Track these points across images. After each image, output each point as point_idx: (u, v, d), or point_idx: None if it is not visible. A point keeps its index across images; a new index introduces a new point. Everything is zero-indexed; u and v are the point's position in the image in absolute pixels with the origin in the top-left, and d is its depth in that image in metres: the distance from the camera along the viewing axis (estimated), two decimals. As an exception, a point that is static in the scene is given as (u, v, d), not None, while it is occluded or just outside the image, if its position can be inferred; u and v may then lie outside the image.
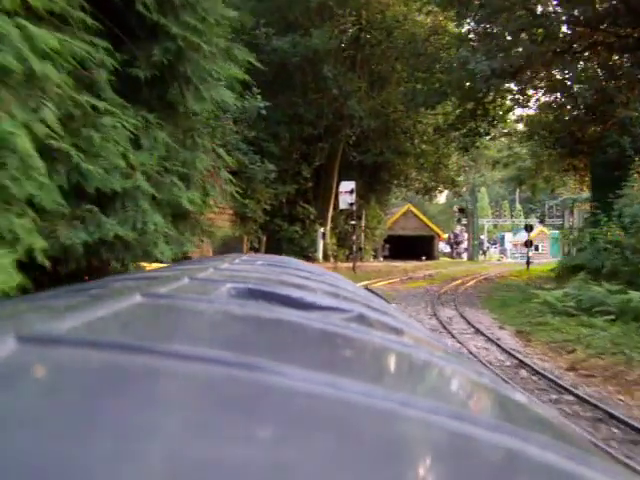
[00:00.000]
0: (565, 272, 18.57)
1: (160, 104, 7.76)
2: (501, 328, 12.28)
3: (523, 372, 8.49)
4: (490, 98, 25.62)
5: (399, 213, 51.80)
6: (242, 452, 0.40)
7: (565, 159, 25.45)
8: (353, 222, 27.14)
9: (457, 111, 26.64)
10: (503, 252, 73.26)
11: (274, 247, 30.10)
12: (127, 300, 0.93)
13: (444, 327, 12.22)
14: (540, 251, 76.55)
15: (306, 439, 0.46)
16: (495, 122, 25.88)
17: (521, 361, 9.11)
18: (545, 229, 78.86)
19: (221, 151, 10.10)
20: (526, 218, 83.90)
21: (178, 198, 7.91)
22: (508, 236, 77.30)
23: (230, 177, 10.15)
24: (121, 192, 7.09)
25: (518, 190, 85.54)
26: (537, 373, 8.30)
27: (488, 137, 27.92)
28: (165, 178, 7.83)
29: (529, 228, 29.16)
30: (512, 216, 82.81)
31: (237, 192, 25.45)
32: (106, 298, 0.97)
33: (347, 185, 26.77)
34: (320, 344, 1.01)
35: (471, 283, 23.16)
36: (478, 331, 11.83)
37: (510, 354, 9.63)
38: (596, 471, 0.59)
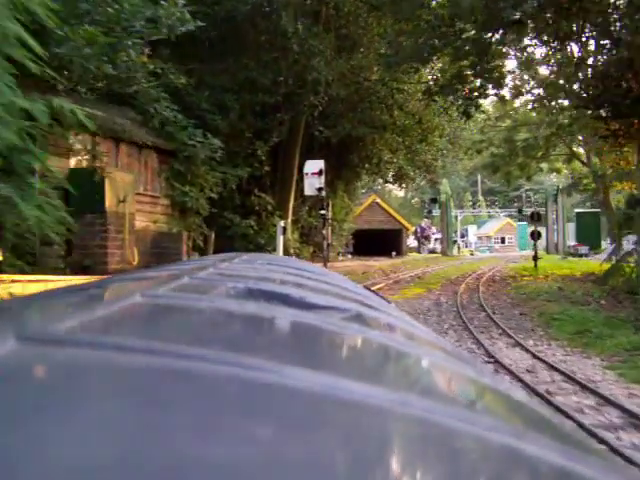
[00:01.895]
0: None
1: None
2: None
3: None
4: (491, 55, 19.43)
5: (364, 205, 45.41)
6: (242, 452, 0.40)
7: (608, 121, 19.19)
8: (323, 212, 20.53)
9: (451, 69, 20.35)
10: (468, 246, 67.54)
11: (224, 246, 23.55)
12: (127, 300, 0.90)
13: (542, 398, 5.84)
14: (507, 244, 71.31)
15: (306, 439, 0.45)
16: (502, 80, 19.58)
17: None
18: (511, 221, 73.66)
19: None
20: (488, 209, 78.73)
21: None
22: (472, 229, 71.79)
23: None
24: None
25: (480, 181, 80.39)
26: None
27: (496, 98, 21.59)
28: None
29: (536, 216, 23.04)
30: (474, 208, 77.48)
31: (173, 176, 18.72)
32: (106, 298, 0.98)
33: (314, 165, 20.17)
34: (321, 344, 0.96)
35: (482, 289, 16.91)
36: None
37: None
38: (596, 471, 0.57)
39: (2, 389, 0.46)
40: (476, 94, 18.96)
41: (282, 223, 23.47)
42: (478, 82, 18.89)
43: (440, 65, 22.57)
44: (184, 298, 1.06)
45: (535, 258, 22.87)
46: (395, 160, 29.32)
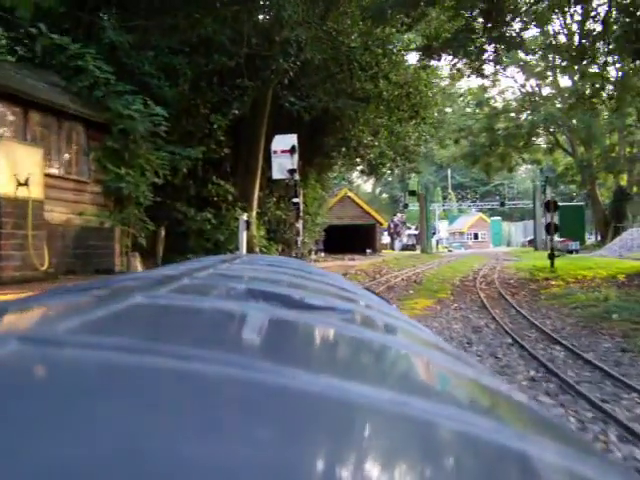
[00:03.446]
0: None
1: None
2: None
3: None
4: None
5: (335, 199, 40.75)
6: (242, 453, 0.39)
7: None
8: (295, 200, 15.75)
9: (455, 25, 15.81)
10: (439, 242, 63.41)
11: (177, 244, 18.80)
12: (127, 300, 0.88)
13: None
14: (480, 240, 67.50)
15: (307, 440, 0.45)
16: (520, 35, 14.96)
17: None
18: (484, 216, 69.85)
19: None
20: (459, 203, 74.92)
21: None
22: (443, 224, 67.82)
23: None
24: None
25: (450, 176, 76.49)
26: None
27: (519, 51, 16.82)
28: None
29: (552, 206, 18.52)
30: (444, 203, 73.49)
31: (106, 156, 14.21)
32: (106, 298, 0.94)
33: (285, 140, 15.38)
34: (320, 344, 0.95)
35: (510, 298, 12.41)
36: None
37: None
38: (597, 472, 0.55)
39: (3, 389, 0.46)
40: (493, 47, 14.42)
41: (245, 217, 18.47)
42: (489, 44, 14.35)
43: (436, 23, 17.94)
44: (184, 299, 1.04)
45: (552, 256, 18.49)
46: (376, 143, 24.66)
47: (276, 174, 15.86)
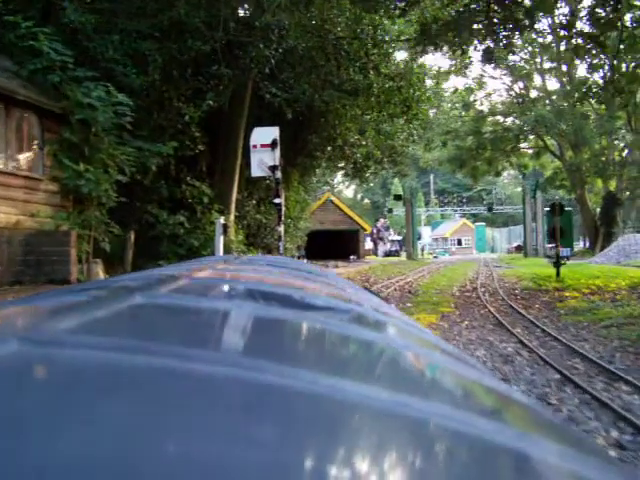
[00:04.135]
0: None
1: None
2: None
3: None
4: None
5: (317, 203, 38.92)
6: (242, 453, 0.39)
7: None
8: (277, 201, 13.80)
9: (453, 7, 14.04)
10: (422, 248, 61.78)
11: (149, 249, 16.86)
12: (127, 300, 0.87)
13: None
14: (464, 245, 66.04)
15: (306, 440, 0.44)
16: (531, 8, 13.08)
17: None
18: (468, 221, 68.45)
19: None
20: (441, 208, 73.54)
21: None
22: (426, 230, 66.29)
23: None
24: None
25: (433, 181, 75.11)
26: None
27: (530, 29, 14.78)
28: None
29: (558, 209, 16.82)
30: (427, 208, 72.04)
31: (63, 150, 12.05)
32: (106, 298, 0.92)
33: (265, 134, 13.47)
34: (320, 345, 0.93)
35: (524, 313, 10.63)
36: None
37: None
38: (598, 472, 0.54)
39: (3, 390, 0.45)
40: (505, 26, 12.64)
41: (222, 220, 16.56)
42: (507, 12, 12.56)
43: (431, 9, 16.21)
44: (184, 299, 1.03)
45: (558, 264, 16.85)
46: (363, 143, 22.85)
47: (255, 171, 13.86)
